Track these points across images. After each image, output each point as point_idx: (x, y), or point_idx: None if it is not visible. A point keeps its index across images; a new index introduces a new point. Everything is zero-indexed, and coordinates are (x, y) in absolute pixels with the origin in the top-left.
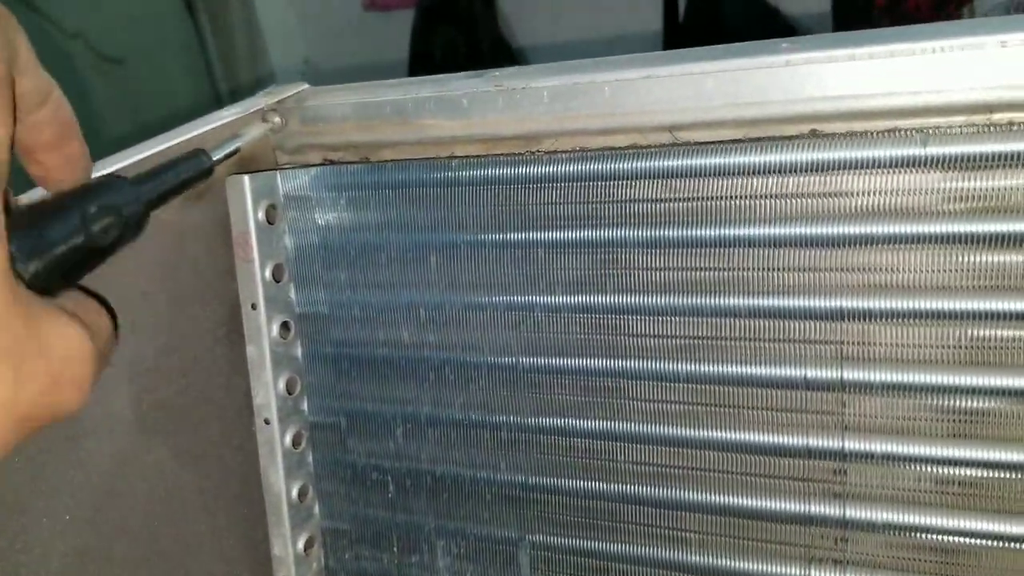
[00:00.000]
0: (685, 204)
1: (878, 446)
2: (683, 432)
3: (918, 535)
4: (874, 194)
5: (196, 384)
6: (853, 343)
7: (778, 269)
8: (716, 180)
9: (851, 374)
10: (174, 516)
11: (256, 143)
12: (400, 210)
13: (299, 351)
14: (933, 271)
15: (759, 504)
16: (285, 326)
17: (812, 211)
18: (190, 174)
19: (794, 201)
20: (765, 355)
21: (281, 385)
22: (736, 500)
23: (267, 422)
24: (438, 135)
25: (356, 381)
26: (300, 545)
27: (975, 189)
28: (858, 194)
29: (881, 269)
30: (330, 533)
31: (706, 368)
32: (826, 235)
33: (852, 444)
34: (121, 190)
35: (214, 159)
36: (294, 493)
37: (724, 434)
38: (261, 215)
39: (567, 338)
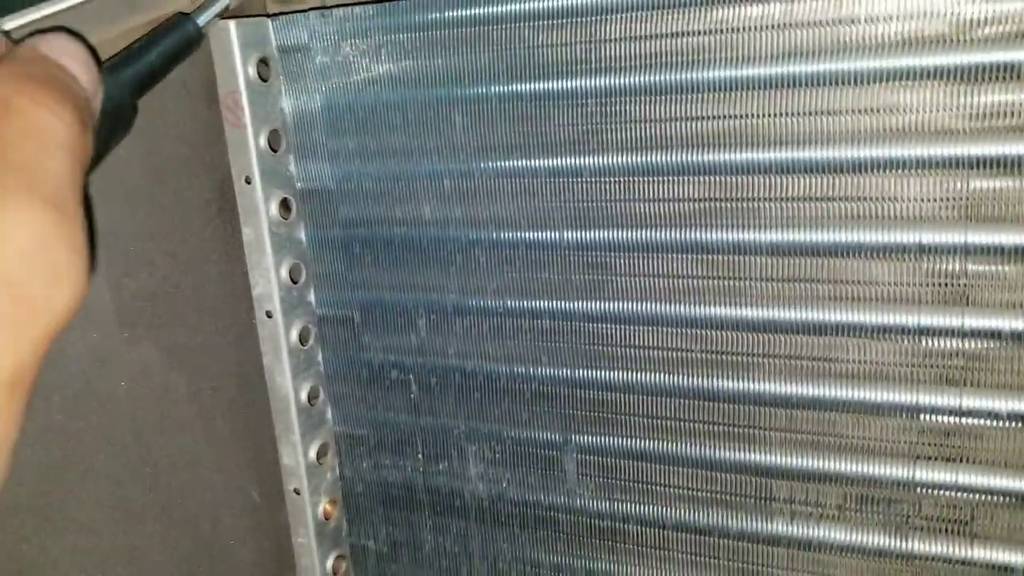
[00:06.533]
0: (793, 33)
1: (1008, 323)
2: (770, 314)
3: None
4: None
5: (184, 270)
6: (980, 201)
7: (901, 111)
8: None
9: (977, 237)
10: (164, 421)
11: None
12: (417, 59)
13: (303, 233)
14: None
15: (856, 395)
16: (285, 204)
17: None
18: (177, 47)
19: None
20: (872, 216)
21: (284, 273)
22: (830, 391)
23: (269, 315)
24: None
25: (370, 267)
26: (312, 453)
27: None
28: None
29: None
30: (345, 439)
31: (798, 236)
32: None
33: (975, 321)
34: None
35: (201, 23)
36: (303, 396)
37: (818, 315)
38: (252, 71)
39: (623, 206)
